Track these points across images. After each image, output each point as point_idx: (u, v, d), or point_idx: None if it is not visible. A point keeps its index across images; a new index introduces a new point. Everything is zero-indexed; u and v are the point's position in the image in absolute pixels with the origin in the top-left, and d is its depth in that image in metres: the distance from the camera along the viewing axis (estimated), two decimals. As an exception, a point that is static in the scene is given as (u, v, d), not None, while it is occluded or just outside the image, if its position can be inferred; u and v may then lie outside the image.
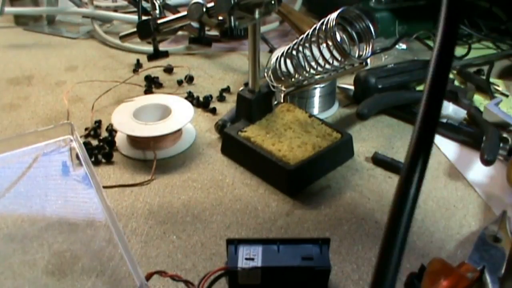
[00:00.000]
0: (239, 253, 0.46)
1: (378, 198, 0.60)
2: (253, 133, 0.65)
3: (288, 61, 0.64)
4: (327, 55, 0.59)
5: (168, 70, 0.90)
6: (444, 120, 0.73)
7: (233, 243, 0.47)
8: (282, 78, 0.66)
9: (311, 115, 0.69)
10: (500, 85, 0.85)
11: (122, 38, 0.73)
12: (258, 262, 0.45)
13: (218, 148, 0.68)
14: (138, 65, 0.92)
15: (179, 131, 0.69)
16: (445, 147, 0.70)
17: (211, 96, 0.80)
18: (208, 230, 0.55)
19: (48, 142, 0.52)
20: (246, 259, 0.46)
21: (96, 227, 0.55)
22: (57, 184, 0.61)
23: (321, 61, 0.60)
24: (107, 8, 1.10)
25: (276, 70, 0.66)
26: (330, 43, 0.58)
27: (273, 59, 0.67)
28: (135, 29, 0.69)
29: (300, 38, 0.63)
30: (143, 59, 0.84)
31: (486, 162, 0.61)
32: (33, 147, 0.52)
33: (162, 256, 0.52)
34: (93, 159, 0.66)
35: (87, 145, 0.68)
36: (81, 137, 0.70)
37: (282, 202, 0.59)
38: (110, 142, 0.69)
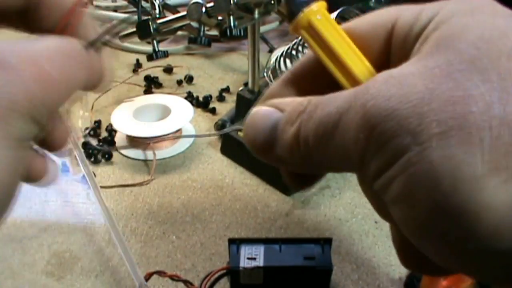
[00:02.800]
0: (241, 253, 0.46)
1: (377, 198, 0.60)
2: (252, 133, 0.65)
3: (288, 61, 0.64)
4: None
5: (168, 70, 0.90)
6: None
7: (235, 243, 0.47)
8: (282, 78, 0.66)
9: (310, 115, 0.68)
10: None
11: (122, 38, 0.73)
12: (260, 262, 0.45)
13: (218, 148, 0.68)
14: (137, 65, 0.92)
15: (178, 131, 0.69)
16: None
17: (210, 96, 0.80)
18: (207, 230, 0.55)
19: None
20: (248, 258, 0.46)
21: (95, 228, 0.55)
22: (57, 184, 0.61)
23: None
24: (107, 8, 1.10)
25: (276, 70, 0.66)
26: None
27: (273, 59, 0.67)
28: (134, 29, 0.69)
29: (300, 38, 0.63)
30: (143, 59, 0.84)
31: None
32: (32, 147, 0.52)
33: (162, 256, 0.52)
34: (92, 159, 0.66)
35: (86, 145, 0.68)
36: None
37: (281, 202, 0.59)
38: (109, 142, 0.69)
